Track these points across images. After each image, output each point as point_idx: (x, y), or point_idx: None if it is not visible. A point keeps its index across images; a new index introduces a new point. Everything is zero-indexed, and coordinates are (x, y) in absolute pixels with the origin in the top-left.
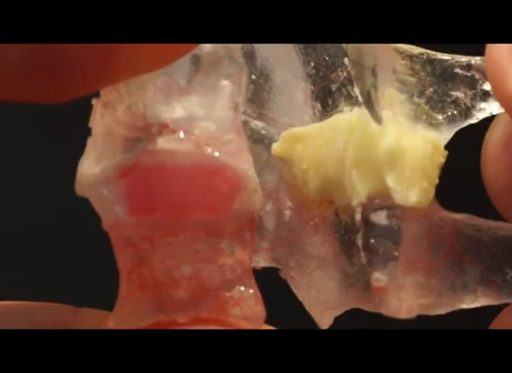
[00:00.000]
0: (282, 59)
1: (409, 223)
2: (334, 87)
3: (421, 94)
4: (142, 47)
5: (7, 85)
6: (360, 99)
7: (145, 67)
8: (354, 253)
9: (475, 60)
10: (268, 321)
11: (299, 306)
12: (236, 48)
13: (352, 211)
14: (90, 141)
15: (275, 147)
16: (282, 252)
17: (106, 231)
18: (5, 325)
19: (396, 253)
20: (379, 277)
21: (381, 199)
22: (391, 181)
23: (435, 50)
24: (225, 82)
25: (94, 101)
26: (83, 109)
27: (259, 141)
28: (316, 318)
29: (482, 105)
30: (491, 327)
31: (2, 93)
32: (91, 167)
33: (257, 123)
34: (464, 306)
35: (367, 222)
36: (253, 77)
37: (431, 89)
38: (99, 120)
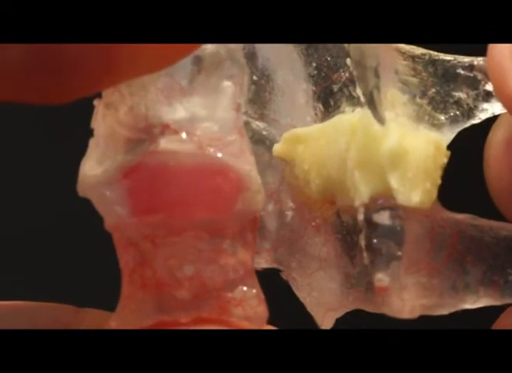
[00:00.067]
0: (284, 60)
1: (412, 223)
2: (336, 88)
3: (423, 95)
4: (143, 48)
5: (7, 85)
6: (362, 99)
7: (147, 67)
8: (356, 254)
9: (478, 60)
10: (269, 322)
11: (300, 307)
12: (237, 49)
13: (354, 212)
14: (92, 142)
15: (277, 148)
16: (284, 252)
17: (108, 232)
18: (5, 325)
19: (399, 253)
20: (382, 278)
21: (384, 199)
22: (393, 182)
23: (437, 51)
24: (227, 83)
25: (96, 102)
26: (85, 110)
27: (260, 142)
28: (317, 319)
29: (485, 105)
30: (493, 327)
31: (3, 94)
32: (93, 168)
33: (258, 124)
34: (467, 306)
35: (370, 222)
36: (254, 78)
37: (433, 90)
38: (101, 121)
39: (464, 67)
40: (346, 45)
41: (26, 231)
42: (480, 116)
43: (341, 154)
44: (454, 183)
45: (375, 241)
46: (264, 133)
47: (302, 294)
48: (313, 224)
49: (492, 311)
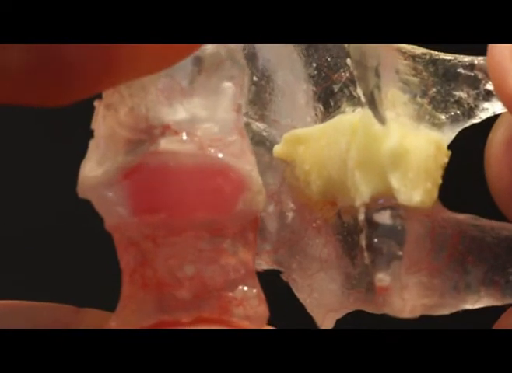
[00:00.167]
0: (284, 60)
1: (412, 223)
2: (336, 88)
3: (424, 94)
4: (143, 48)
5: (7, 85)
6: (363, 99)
7: (148, 68)
8: (356, 255)
9: (478, 60)
10: (269, 323)
11: (301, 308)
12: (237, 50)
13: (355, 212)
14: (92, 143)
15: (277, 149)
16: (284, 254)
17: (108, 232)
18: (5, 324)
19: (400, 253)
20: (382, 277)
21: (385, 199)
22: (394, 181)
23: (437, 50)
24: (227, 84)
25: (96, 103)
26: (85, 111)
27: (261, 143)
28: (318, 320)
29: (485, 105)
30: (494, 327)
31: (3, 95)
32: (93, 169)
33: (258, 125)
34: (468, 306)
35: (371, 222)
36: (254, 78)
37: (434, 89)
38: (102, 122)
39: (464, 67)
40: (346, 45)
41: (26, 231)
42: (481, 116)
43: (342, 154)
44: (454, 182)
45: (376, 240)
46: (265, 134)
47: (302, 296)
48: (313, 225)
49: (493, 312)
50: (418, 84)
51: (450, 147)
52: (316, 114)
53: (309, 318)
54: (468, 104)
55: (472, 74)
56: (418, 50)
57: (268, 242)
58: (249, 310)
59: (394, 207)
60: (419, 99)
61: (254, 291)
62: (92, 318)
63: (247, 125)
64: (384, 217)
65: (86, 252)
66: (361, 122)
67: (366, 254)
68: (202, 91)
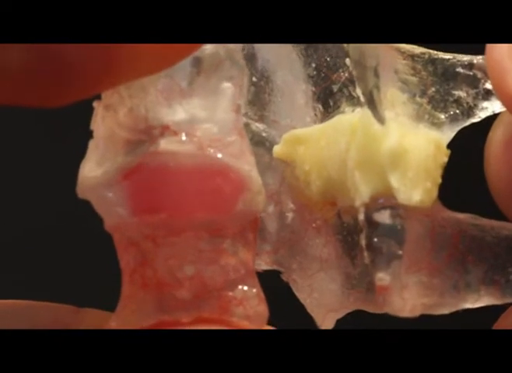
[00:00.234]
0: (283, 60)
1: (412, 223)
2: (335, 88)
3: (423, 94)
4: (143, 48)
5: (7, 85)
6: (362, 99)
7: (148, 68)
8: (357, 254)
9: (477, 59)
10: (269, 323)
11: (301, 308)
12: (237, 50)
13: (355, 212)
14: (92, 144)
15: (277, 149)
16: (284, 254)
17: (109, 232)
18: (5, 324)
19: (400, 252)
20: (382, 277)
21: (384, 199)
22: (394, 181)
23: (436, 50)
24: (226, 84)
25: (95, 103)
26: (85, 111)
27: (260, 144)
28: (318, 320)
29: (485, 104)
30: (494, 327)
31: (2, 95)
32: (93, 170)
33: (258, 126)
34: (468, 306)
35: (370, 222)
36: (254, 79)
37: (433, 89)
38: (101, 123)
39: (463, 66)
40: (345, 45)
41: (26, 231)
42: (480, 115)
43: (342, 154)
44: (454, 182)
45: (376, 240)
46: (264, 134)
47: (302, 296)
48: (313, 225)
49: (493, 311)
50: (417, 83)
51: (449, 146)
52: (315, 114)
53: (309, 319)
54: (468, 103)
55: (471, 73)
56: (417, 49)
57: (268, 242)
58: (249, 310)
59: (394, 207)
60: (418, 99)
61: (254, 290)
62: (92, 318)
63: (247, 125)
64: (384, 217)
65: (86, 252)
66: (360, 122)
67: (366, 254)
68: (201, 91)
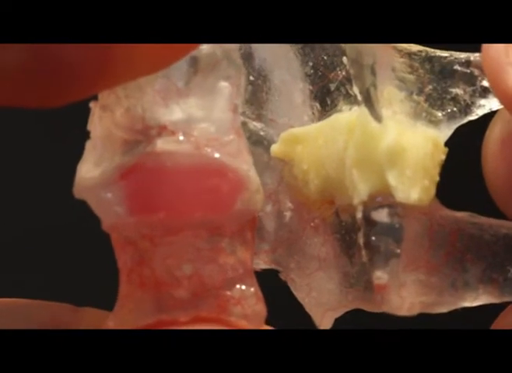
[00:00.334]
0: (280, 59)
1: (410, 221)
2: (332, 86)
3: (420, 91)
4: (140, 48)
5: (7, 85)
6: (359, 97)
7: (145, 68)
8: (355, 253)
9: (474, 56)
10: (268, 322)
11: (299, 308)
12: (233, 49)
13: (353, 211)
14: (89, 144)
15: (275, 148)
16: (283, 253)
17: (106, 232)
18: (3, 322)
19: (398, 251)
20: (380, 275)
21: (382, 197)
22: (392, 179)
23: (433, 48)
24: (223, 84)
25: (92, 104)
26: (81, 112)
27: (258, 143)
28: (316, 319)
29: (482, 101)
30: (492, 327)
31: (2, 95)
32: (90, 170)
33: (255, 125)
34: (466, 304)
35: (368, 220)
36: (251, 78)
37: (430, 87)
38: (98, 123)
39: (460, 64)
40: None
41: (26, 231)
42: (477, 113)
43: (340, 153)
44: (452, 180)
45: (373, 238)
46: (262, 133)
47: (300, 295)
48: (311, 224)
49: (492, 310)
50: (414, 81)
51: (447, 144)
52: (313, 113)
53: (307, 318)
54: (465, 101)
55: (468, 71)
56: (414, 47)
57: (266, 241)
58: (247, 309)
59: (392, 205)
60: (415, 97)
61: (252, 289)
62: (90, 318)
63: (244, 125)
64: (382, 216)
65: (85, 251)
66: (358, 120)
67: (363, 252)
68: (198, 91)
